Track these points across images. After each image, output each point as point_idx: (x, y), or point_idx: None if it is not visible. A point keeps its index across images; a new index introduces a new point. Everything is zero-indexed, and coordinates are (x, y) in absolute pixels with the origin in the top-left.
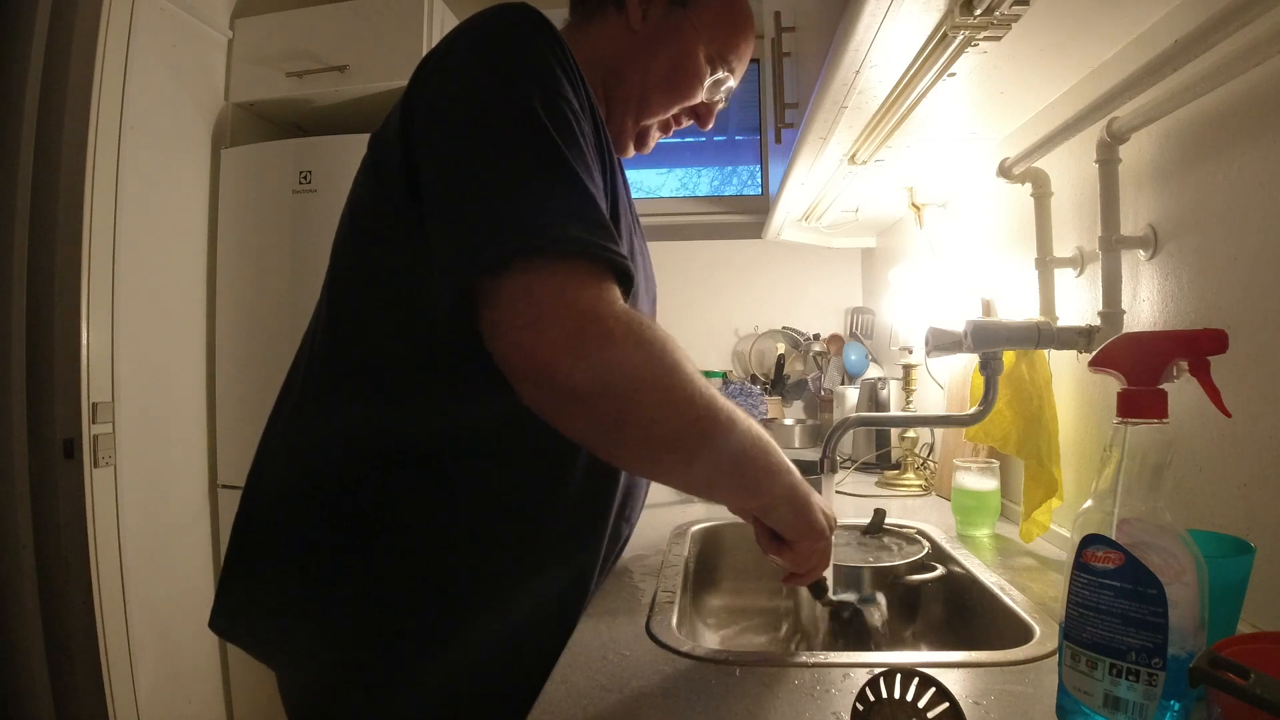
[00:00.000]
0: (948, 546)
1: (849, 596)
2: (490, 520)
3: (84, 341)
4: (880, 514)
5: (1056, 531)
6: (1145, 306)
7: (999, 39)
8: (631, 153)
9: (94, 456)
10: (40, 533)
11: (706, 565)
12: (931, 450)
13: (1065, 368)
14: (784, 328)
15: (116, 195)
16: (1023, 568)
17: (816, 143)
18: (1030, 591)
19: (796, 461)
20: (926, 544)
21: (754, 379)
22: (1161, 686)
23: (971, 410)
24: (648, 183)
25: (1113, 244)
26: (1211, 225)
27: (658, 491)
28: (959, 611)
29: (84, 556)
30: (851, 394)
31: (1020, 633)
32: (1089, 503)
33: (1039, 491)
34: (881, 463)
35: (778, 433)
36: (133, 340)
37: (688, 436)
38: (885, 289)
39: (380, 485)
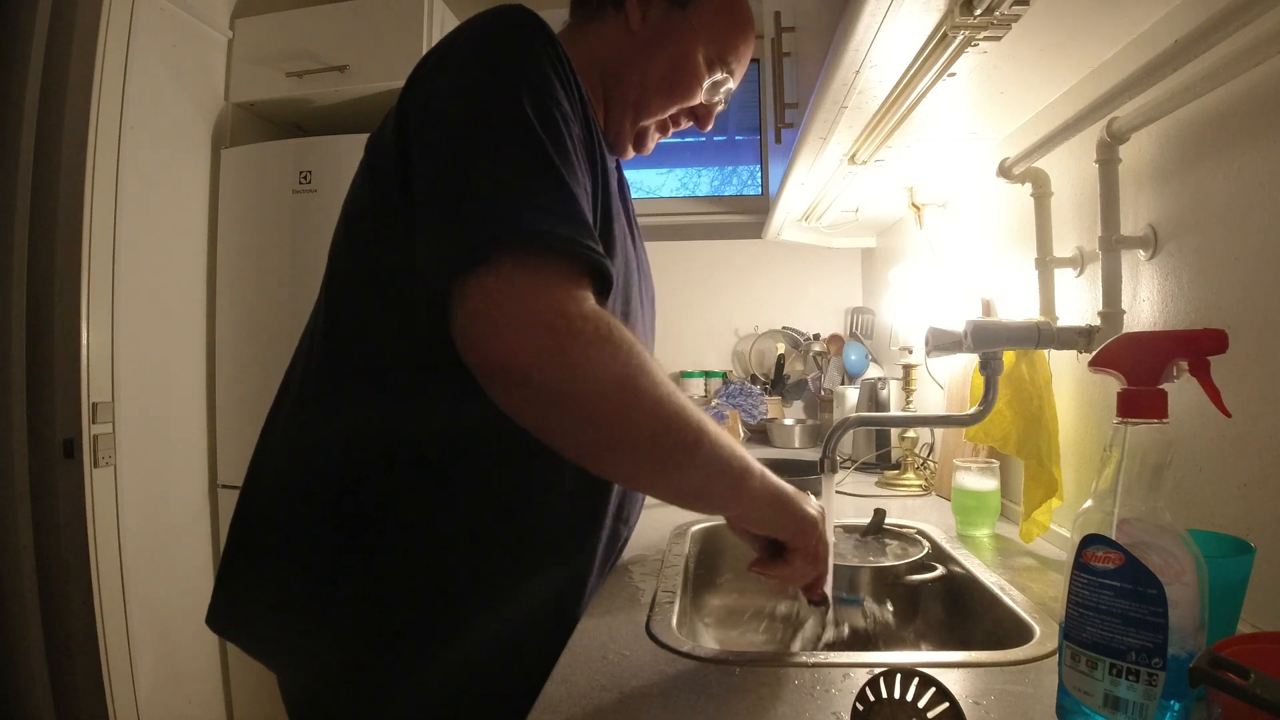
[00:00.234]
0: (948, 546)
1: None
2: (490, 520)
3: (84, 341)
4: (880, 514)
5: (1056, 531)
6: (1145, 306)
7: (999, 39)
8: (631, 153)
9: (94, 456)
10: (40, 533)
11: (706, 565)
12: (931, 450)
13: (1065, 368)
14: (784, 328)
15: (116, 195)
16: (1023, 568)
17: (816, 143)
18: (1030, 591)
19: (797, 461)
20: (926, 544)
21: (754, 379)
22: (1161, 686)
23: (971, 410)
24: (648, 183)
25: (1113, 244)
26: (1211, 225)
27: None
28: (959, 611)
29: (84, 556)
30: (851, 394)
31: (1020, 633)
32: (1089, 503)
33: (1039, 491)
34: (881, 463)
35: (778, 433)
36: (133, 340)
37: (659, 439)
38: (885, 289)
39: (381, 485)
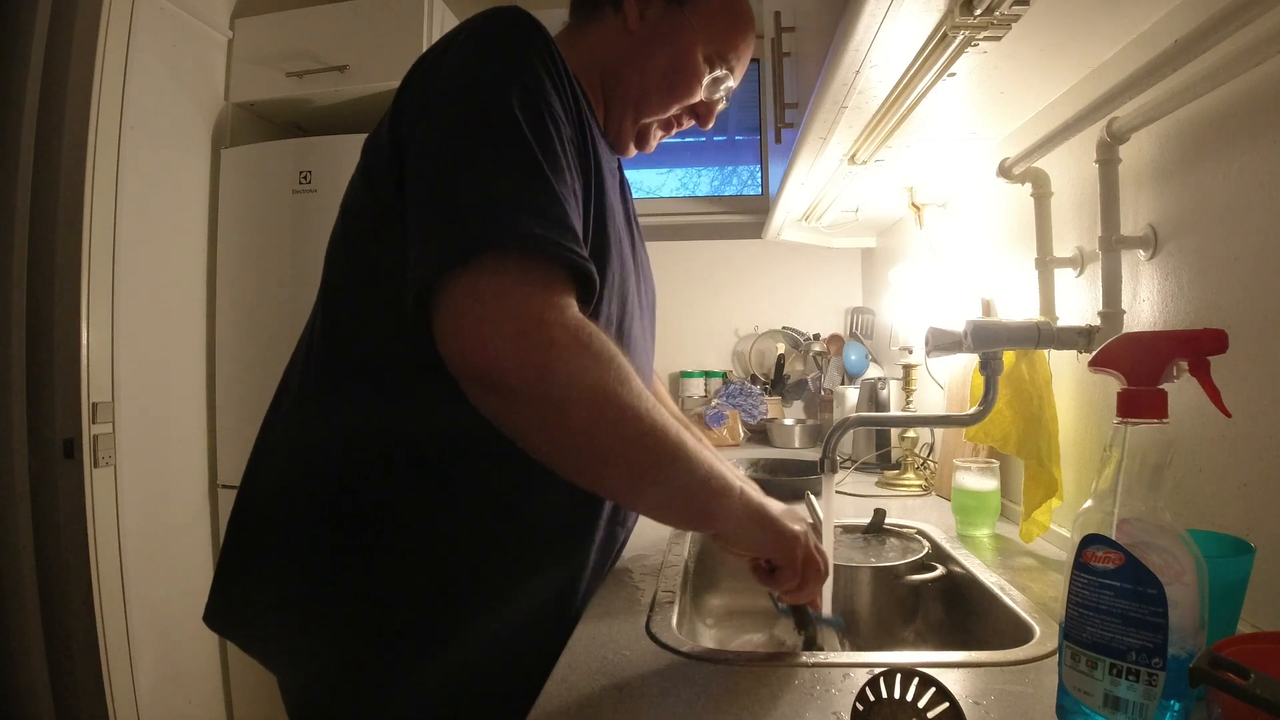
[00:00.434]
0: (948, 546)
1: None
2: (490, 520)
3: (84, 341)
4: (880, 514)
5: (1056, 531)
6: (1145, 306)
7: (999, 39)
8: (632, 152)
9: (94, 456)
10: (40, 533)
11: (706, 565)
12: (931, 450)
13: (1065, 368)
14: (784, 328)
15: (116, 195)
16: (1023, 568)
17: (816, 143)
18: (1030, 591)
19: (797, 462)
20: (926, 544)
21: (754, 379)
22: (1161, 686)
23: (971, 410)
24: (648, 183)
25: (1113, 244)
26: (1211, 225)
27: None
28: (959, 611)
29: (84, 556)
30: (851, 394)
31: (1020, 633)
32: (1089, 503)
33: (1039, 491)
34: (881, 463)
35: (778, 433)
36: (133, 340)
37: (632, 451)
38: (885, 289)
39: (380, 485)
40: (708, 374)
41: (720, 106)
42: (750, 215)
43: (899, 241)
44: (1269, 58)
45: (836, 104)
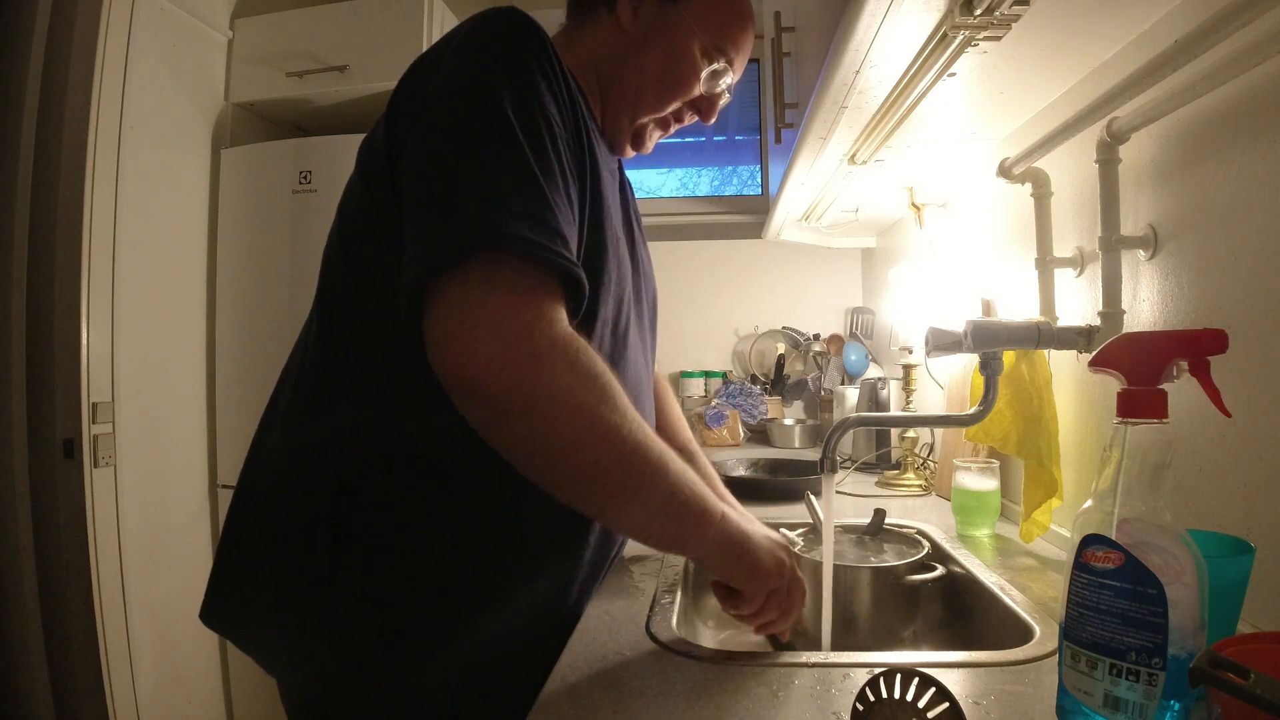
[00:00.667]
0: (948, 546)
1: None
2: (489, 519)
3: (84, 341)
4: (880, 514)
5: (1056, 531)
6: (1145, 306)
7: (999, 39)
8: (630, 152)
9: (94, 456)
10: (40, 533)
11: None
12: (931, 450)
13: (1065, 368)
14: (784, 328)
15: (116, 195)
16: (1023, 568)
17: (816, 143)
18: (1030, 591)
19: (797, 462)
20: (926, 544)
21: (754, 379)
22: (1161, 686)
23: (971, 410)
24: (648, 183)
25: (1113, 244)
26: (1211, 225)
27: None
28: (959, 611)
29: (84, 556)
30: (851, 394)
31: (1020, 633)
32: (1089, 503)
33: (1039, 491)
34: (881, 463)
35: (778, 433)
36: (133, 340)
37: (612, 469)
38: (885, 289)
39: (379, 485)
40: (708, 374)
41: (723, 101)
42: (750, 215)
43: (899, 241)
44: (1269, 58)
45: (836, 104)
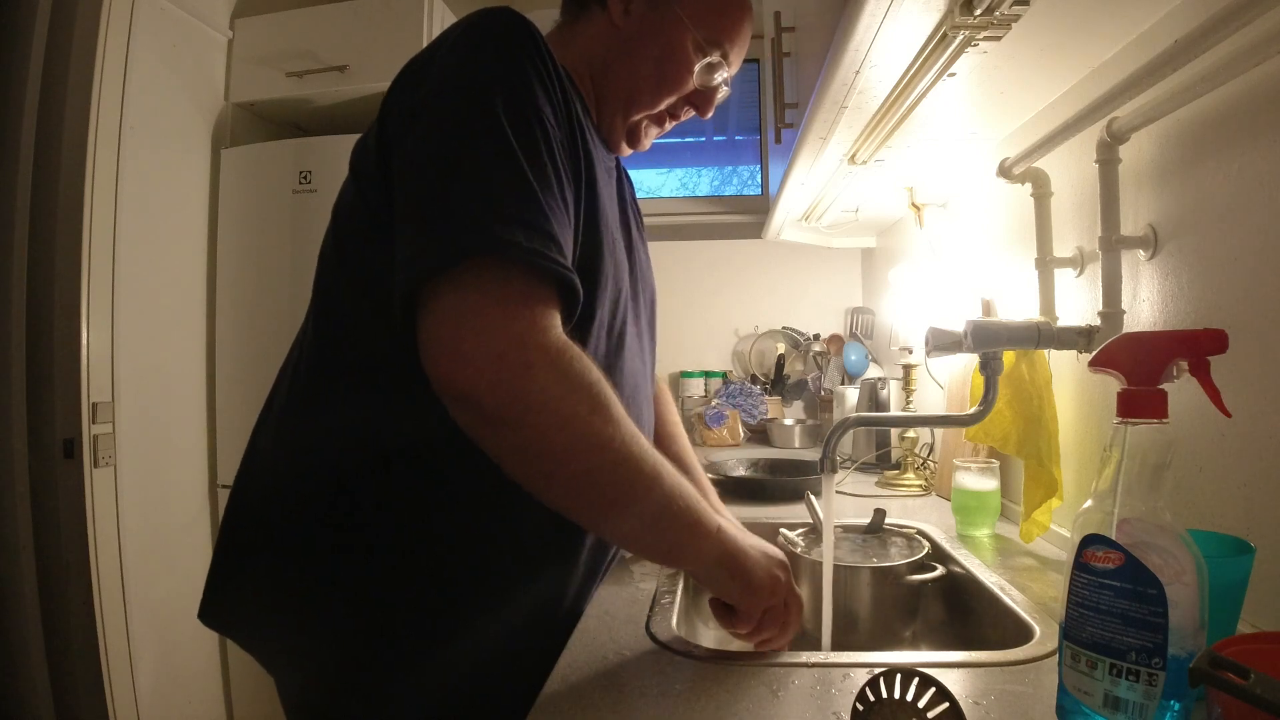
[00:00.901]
0: (948, 546)
1: None
2: (487, 519)
3: (84, 341)
4: (880, 514)
5: (1056, 531)
6: (1145, 306)
7: (999, 39)
8: (626, 150)
9: (94, 456)
10: (40, 533)
11: None
12: (931, 450)
13: (1065, 368)
14: (784, 328)
15: (116, 195)
16: (1023, 568)
17: (816, 143)
18: (1030, 591)
19: (797, 462)
20: (926, 544)
21: (754, 379)
22: (1161, 686)
23: (971, 410)
24: (648, 183)
25: (1113, 244)
26: (1211, 225)
27: None
28: (959, 611)
29: (84, 556)
30: (851, 394)
31: (1020, 633)
32: (1089, 503)
33: (1039, 491)
34: (881, 463)
35: (778, 433)
36: (133, 340)
37: (604, 480)
38: (885, 289)
39: (377, 485)
40: (708, 374)
41: (721, 95)
42: (750, 215)
43: (899, 241)
44: (1269, 58)
45: (836, 104)
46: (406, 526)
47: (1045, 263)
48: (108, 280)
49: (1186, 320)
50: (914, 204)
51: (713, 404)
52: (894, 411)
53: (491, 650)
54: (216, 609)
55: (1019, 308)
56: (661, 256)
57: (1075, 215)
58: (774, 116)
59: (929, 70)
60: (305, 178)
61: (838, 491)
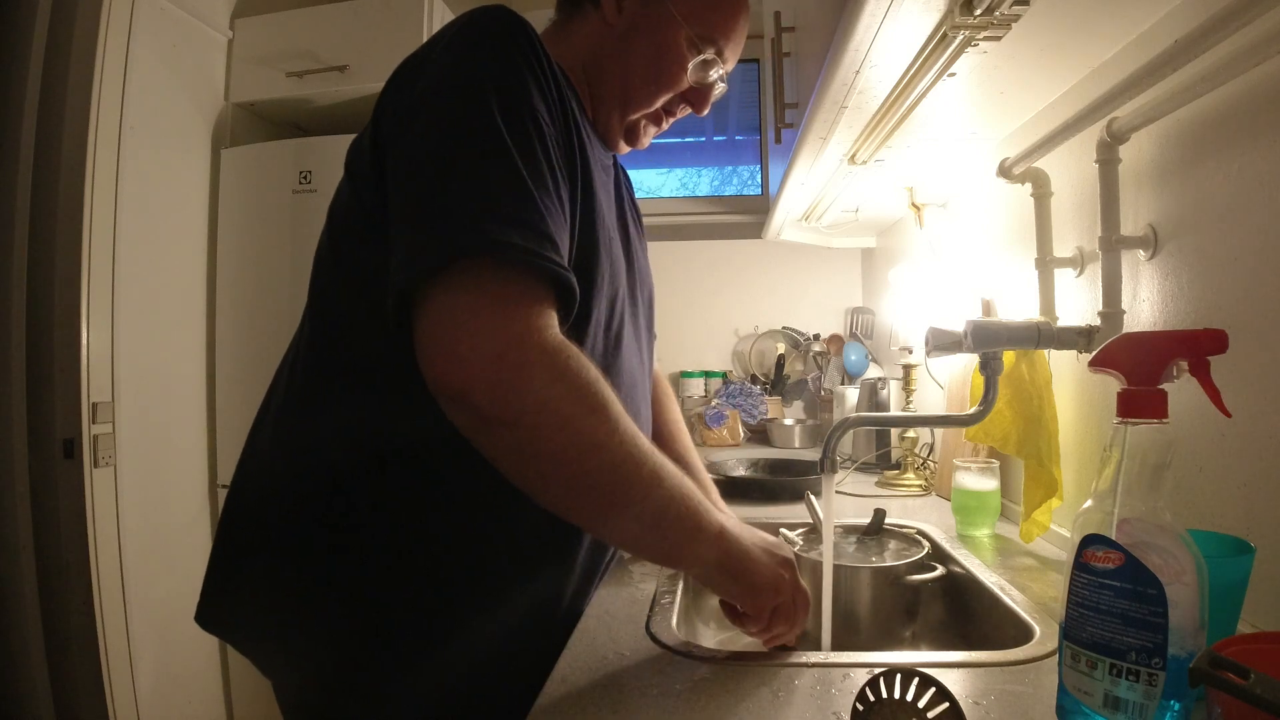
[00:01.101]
0: (948, 546)
1: None
2: (483, 519)
3: (84, 341)
4: (880, 514)
5: (1056, 531)
6: (1145, 306)
7: (999, 39)
8: (624, 148)
9: (94, 456)
10: (40, 533)
11: None
12: (931, 450)
13: (1065, 368)
14: (784, 328)
15: (116, 195)
16: (1023, 568)
17: (816, 143)
18: (1030, 591)
19: (797, 462)
20: (926, 544)
21: (754, 379)
22: (1161, 686)
23: (971, 410)
24: (648, 183)
25: (1113, 244)
26: (1211, 225)
27: None
28: (959, 611)
29: (84, 556)
30: (851, 394)
31: (1020, 633)
32: (1089, 503)
33: (1039, 491)
34: (881, 463)
35: (778, 433)
36: (133, 340)
37: (601, 481)
38: (885, 289)
39: (373, 485)
40: (708, 374)
41: (717, 92)
42: (750, 215)
43: (899, 241)
44: (1269, 58)
45: (836, 104)
46: (403, 526)
47: (1045, 263)
48: (108, 280)
49: (1186, 320)
50: (914, 204)
51: (713, 404)
52: (894, 411)
53: (489, 651)
54: (213, 611)
55: (1019, 308)
56: (661, 256)
57: (1075, 215)
58: (774, 116)
59: (929, 70)
60: (305, 178)
61: (838, 491)
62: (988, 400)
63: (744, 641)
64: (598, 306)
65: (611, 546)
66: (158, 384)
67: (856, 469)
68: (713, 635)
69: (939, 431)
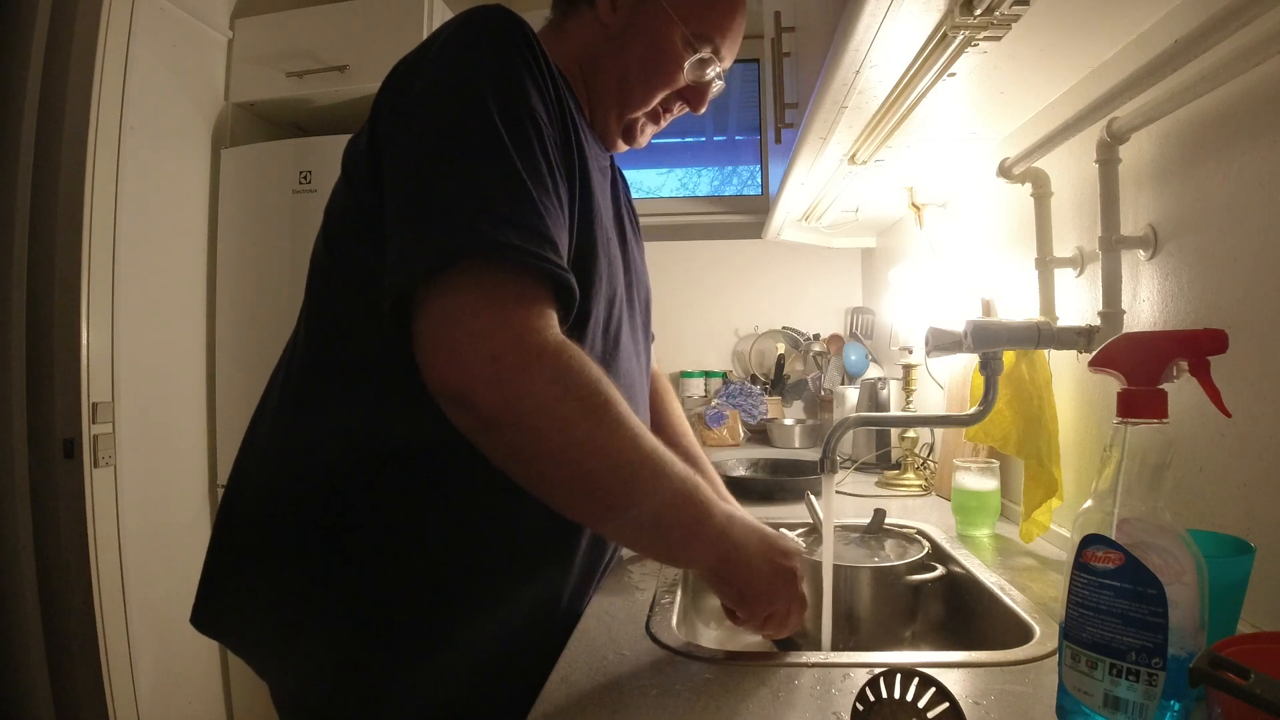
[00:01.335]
0: (948, 546)
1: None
2: (480, 519)
3: (84, 341)
4: (880, 514)
5: (1056, 531)
6: (1145, 306)
7: (999, 39)
8: (622, 147)
9: (94, 456)
10: (40, 533)
11: None
12: (931, 450)
13: (1065, 368)
14: (784, 328)
15: (116, 195)
16: (1023, 568)
17: (816, 143)
18: (1030, 591)
19: (797, 462)
20: (926, 544)
21: (754, 379)
22: (1161, 686)
23: (971, 410)
24: (648, 183)
25: (1113, 244)
26: (1211, 225)
27: None
28: (959, 611)
29: (84, 556)
30: (851, 394)
31: (1020, 633)
32: (1089, 503)
33: (1039, 491)
34: (881, 463)
35: (778, 433)
36: (133, 340)
37: (601, 483)
38: (885, 289)
39: (371, 486)
40: (708, 374)
41: (715, 90)
42: (750, 215)
43: (899, 241)
44: (1269, 58)
45: (836, 104)
46: (400, 527)
47: (1045, 263)
48: (108, 280)
49: (1186, 320)
50: (914, 204)
51: (713, 404)
52: (894, 411)
53: (488, 651)
54: (210, 613)
55: (1019, 308)
56: (661, 256)
57: (1075, 215)
58: (774, 116)
59: (929, 70)
60: (305, 178)
61: (838, 491)
62: (988, 400)
63: (744, 641)
64: (596, 307)
65: (610, 546)
66: (158, 384)
67: (856, 469)
68: (713, 635)
69: (939, 431)
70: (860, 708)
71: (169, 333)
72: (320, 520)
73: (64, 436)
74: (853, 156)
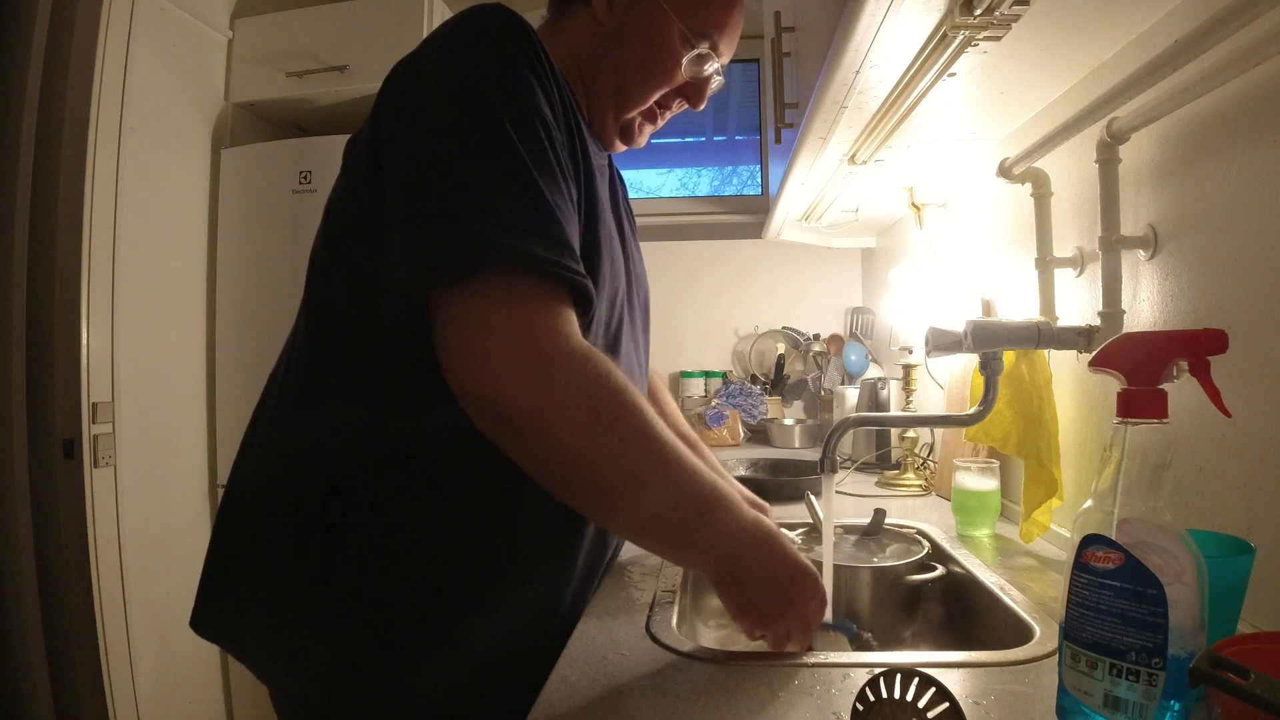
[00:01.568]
0: (948, 546)
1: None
2: (480, 519)
3: (84, 341)
4: (880, 514)
5: (1056, 531)
6: (1145, 306)
7: (999, 39)
8: (620, 147)
9: (94, 456)
10: (40, 533)
11: None
12: (931, 450)
13: (1065, 368)
14: (784, 328)
15: (116, 195)
16: (1023, 568)
17: (816, 143)
18: (1030, 591)
19: (797, 462)
20: (926, 544)
21: (754, 379)
22: (1161, 686)
23: (971, 410)
24: (648, 183)
25: (1113, 244)
26: (1211, 225)
27: None
28: (959, 611)
29: (84, 556)
30: (851, 394)
31: (1020, 633)
32: (1089, 503)
33: (1039, 491)
34: (881, 463)
35: (778, 433)
36: (133, 340)
37: (622, 490)
38: (885, 289)
39: (370, 485)
40: (708, 374)
41: (714, 86)
42: (750, 215)
43: (899, 241)
44: (1269, 58)
45: (836, 104)
46: (400, 526)
47: (1045, 263)
48: (108, 280)
49: (1186, 320)
50: (914, 204)
51: (713, 404)
52: (894, 411)
53: (489, 651)
54: (210, 615)
55: (1019, 308)
56: (661, 256)
57: (1075, 215)
58: (774, 116)
59: (929, 70)
60: (305, 178)
61: (838, 491)
62: (988, 400)
63: (744, 641)
64: (599, 306)
65: (611, 546)
66: (158, 384)
67: (856, 469)
68: (713, 635)
69: (939, 431)
70: (860, 708)
71: (169, 333)
72: (320, 520)
73: (64, 436)
74: (853, 156)
